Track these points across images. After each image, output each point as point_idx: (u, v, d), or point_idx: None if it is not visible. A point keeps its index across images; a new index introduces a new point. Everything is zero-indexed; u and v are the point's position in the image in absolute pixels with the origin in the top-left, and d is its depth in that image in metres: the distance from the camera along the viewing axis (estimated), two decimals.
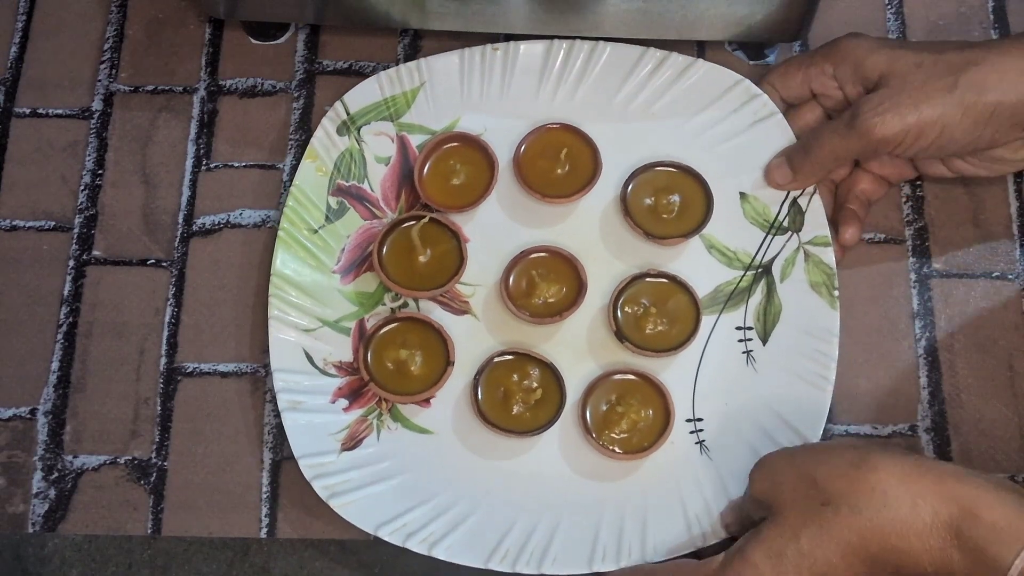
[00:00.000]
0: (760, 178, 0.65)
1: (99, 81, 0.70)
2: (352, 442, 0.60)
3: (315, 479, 0.58)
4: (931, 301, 0.65)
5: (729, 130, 0.65)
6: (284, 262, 0.62)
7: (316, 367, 0.61)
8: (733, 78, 0.66)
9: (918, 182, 0.67)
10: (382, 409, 0.61)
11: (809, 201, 0.64)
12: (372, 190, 0.65)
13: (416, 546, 0.57)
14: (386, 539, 0.57)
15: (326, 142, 0.65)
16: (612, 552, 0.57)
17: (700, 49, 0.70)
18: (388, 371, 0.61)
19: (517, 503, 0.59)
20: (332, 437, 0.60)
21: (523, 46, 0.66)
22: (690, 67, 0.66)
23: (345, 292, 0.63)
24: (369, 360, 0.61)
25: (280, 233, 0.63)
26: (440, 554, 0.56)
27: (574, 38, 0.66)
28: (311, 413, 0.60)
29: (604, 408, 0.60)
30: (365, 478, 0.59)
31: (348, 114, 0.66)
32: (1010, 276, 0.65)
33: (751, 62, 0.70)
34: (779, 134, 0.65)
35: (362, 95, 0.66)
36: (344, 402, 0.61)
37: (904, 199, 0.67)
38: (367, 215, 0.65)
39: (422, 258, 0.62)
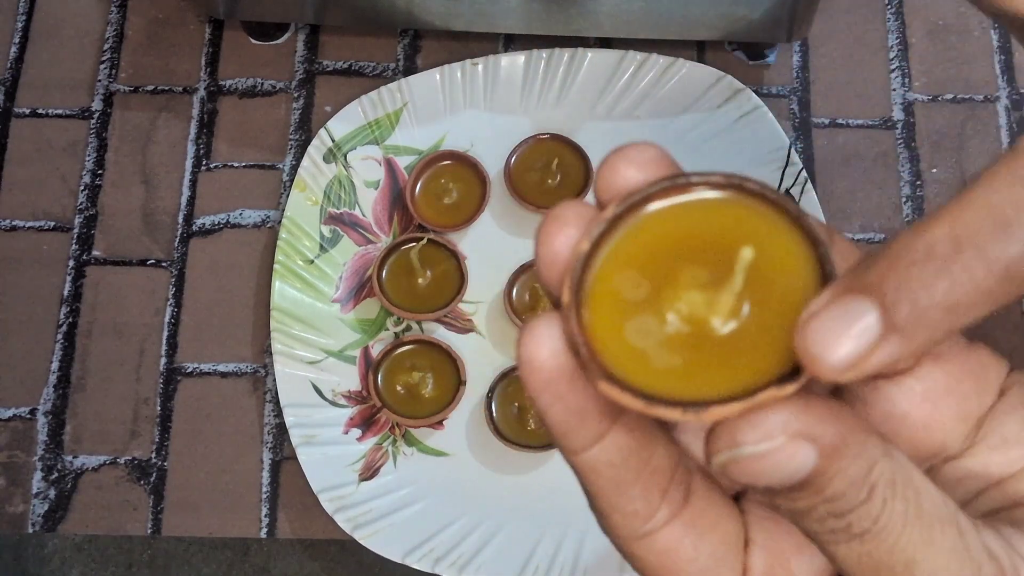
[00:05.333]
0: (748, 173, 0.64)
1: (99, 81, 0.70)
2: (370, 471, 0.60)
3: (337, 512, 0.58)
4: None
5: (715, 127, 0.65)
6: (282, 295, 0.62)
7: (325, 399, 0.61)
8: (715, 75, 0.66)
9: (918, 181, 0.67)
10: (396, 435, 0.61)
11: (801, 191, 0.64)
12: (364, 215, 0.65)
13: (445, 570, 0.56)
14: (415, 566, 0.57)
15: (313, 171, 0.65)
16: None
17: (700, 49, 0.70)
18: (399, 395, 0.60)
19: (542, 517, 0.59)
20: (349, 468, 0.60)
21: (504, 59, 0.66)
22: (671, 67, 0.66)
23: (347, 320, 0.63)
24: (380, 385, 0.60)
25: (276, 266, 0.63)
26: None
27: (553, 48, 0.66)
28: (325, 446, 0.60)
29: None
30: (387, 507, 0.59)
31: (333, 141, 0.65)
32: None
33: (751, 62, 0.70)
34: (764, 127, 0.64)
35: (346, 120, 0.66)
36: (357, 431, 0.61)
37: (904, 199, 0.67)
38: (361, 241, 0.65)
39: (422, 280, 0.62)
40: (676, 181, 0.22)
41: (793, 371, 0.20)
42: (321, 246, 0.64)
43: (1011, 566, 0.21)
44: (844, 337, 0.19)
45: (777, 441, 0.20)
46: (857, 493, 0.20)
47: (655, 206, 0.22)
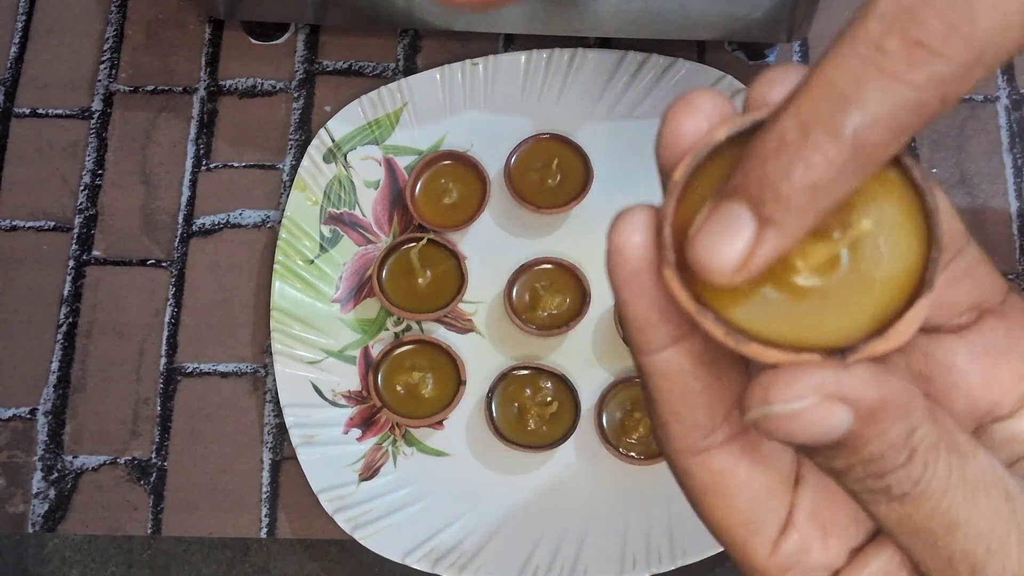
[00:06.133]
0: None
1: (99, 81, 0.70)
2: (370, 471, 0.60)
3: (337, 512, 0.58)
4: None
5: None
6: (282, 295, 0.62)
7: (325, 399, 0.61)
8: (715, 75, 0.66)
9: None
10: (396, 435, 0.61)
11: None
12: (364, 215, 0.65)
13: (445, 570, 0.56)
14: (415, 567, 0.57)
15: (313, 171, 0.65)
16: (642, 558, 0.57)
17: (700, 49, 0.70)
18: (399, 395, 0.60)
19: (541, 518, 0.59)
20: (349, 468, 0.60)
21: (504, 59, 0.66)
22: (671, 67, 0.66)
23: (347, 320, 0.63)
24: (380, 385, 0.60)
25: (276, 266, 0.63)
26: None
27: (554, 48, 0.66)
28: (325, 446, 0.60)
29: (620, 415, 0.60)
30: (387, 507, 0.59)
31: (333, 141, 0.65)
32: (1010, 276, 0.65)
33: (751, 62, 0.70)
34: None
35: (346, 120, 0.66)
36: (357, 431, 0.61)
37: None
38: (361, 241, 0.65)
39: (422, 280, 0.62)
40: None
41: (852, 347, 0.20)
42: (321, 246, 0.64)
43: None
44: (724, 242, 0.20)
45: (808, 401, 0.20)
46: (896, 456, 0.20)
47: None
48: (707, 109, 0.21)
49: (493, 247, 0.64)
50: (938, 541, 0.21)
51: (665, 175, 0.22)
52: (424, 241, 0.62)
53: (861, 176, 0.20)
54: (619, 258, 0.21)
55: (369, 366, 0.62)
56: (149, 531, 0.60)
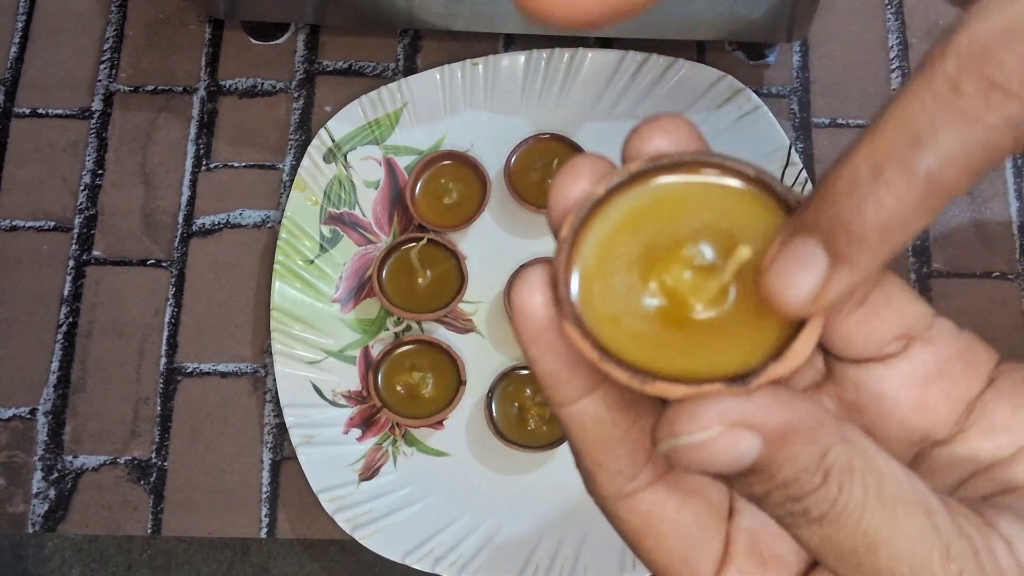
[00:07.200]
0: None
1: (99, 81, 0.70)
2: (370, 471, 0.60)
3: (336, 512, 0.58)
4: (931, 301, 0.65)
5: (715, 127, 0.65)
6: (282, 295, 0.62)
7: (325, 399, 0.61)
8: (715, 75, 0.66)
9: None
10: (396, 435, 0.61)
11: (802, 192, 0.63)
12: (364, 215, 0.65)
13: (445, 570, 0.56)
14: (415, 567, 0.57)
15: (313, 171, 0.65)
16: None
17: (700, 49, 0.70)
18: (399, 395, 0.60)
19: (541, 517, 0.59)
20: (349, 468, 0.60)
21: (504, 59, 0.66)
22: (671, 67, 0.66)
23: (347, 320, 0.63)
24: (380, 385, 0.60)
25: (276, 266, 0.63)
26: None
27: (554, 48, 0.66)
28: (325, 446, 0.60)
29: None
30: (387, 507, 0.59)
31: (333, 141, 0.65)
32: (1010, 276, 0.65)
33: (751, 62, 0.70)
34: (765, 127, 0.64)
35: (346, 120, 0.66)
36: (357, 431, 0.61)
37: None
38: (361, 241, 0.65)
39: (422, 280, 0.62)
40: (710, 159, 0.22)
41: (752, 372, 0.21)
42: (321, 246, 0.64)
43: (984, 545, 0.21)
44: (798, 276, 0.20)
45: (713, 431, 0.20)
46: (810, 479, 0.20)
47: (680, 177, 0.22)
48: (588, 173, 0.22)
49: (493, 247, 0.64)
50: (861, 561, 0.21)
51: (557, 236, 0.23)
52: (424, 241, 0.62)
53: (931, 215, 0.19)
54: (522, 318, 0.22)
55: (369, 366, 0.62)
56: (149, 531, 0.60)
